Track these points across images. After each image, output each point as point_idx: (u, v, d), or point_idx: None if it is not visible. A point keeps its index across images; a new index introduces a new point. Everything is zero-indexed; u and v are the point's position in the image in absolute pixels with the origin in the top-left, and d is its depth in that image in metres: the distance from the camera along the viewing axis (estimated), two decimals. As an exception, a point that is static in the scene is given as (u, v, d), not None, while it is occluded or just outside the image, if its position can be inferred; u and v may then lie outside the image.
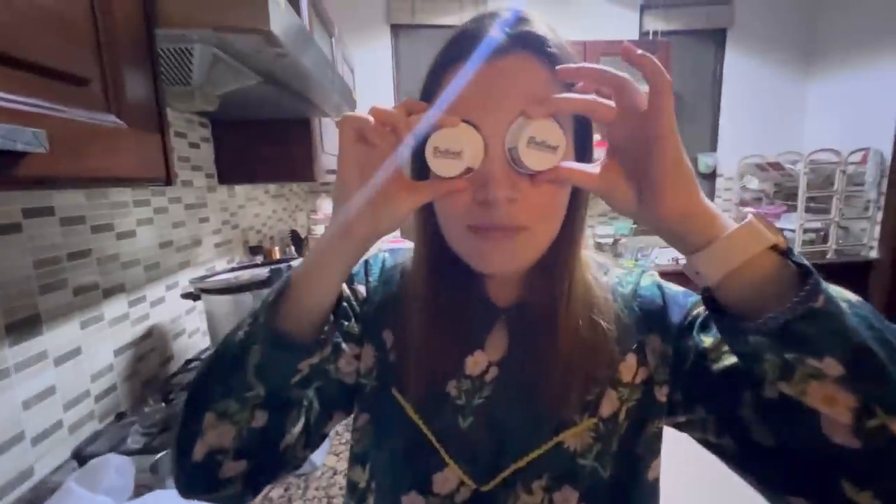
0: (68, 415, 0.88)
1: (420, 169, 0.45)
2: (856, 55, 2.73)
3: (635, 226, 3.02)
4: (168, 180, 0.66)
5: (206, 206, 1.49)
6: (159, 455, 0.73)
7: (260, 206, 2.01)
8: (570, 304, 0.45)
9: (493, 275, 0.47)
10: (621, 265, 0.54)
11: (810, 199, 2.71)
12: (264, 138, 1.55)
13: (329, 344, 0.42)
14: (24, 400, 0.79)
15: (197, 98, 1.08)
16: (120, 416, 0.97)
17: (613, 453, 0.44)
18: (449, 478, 0.45)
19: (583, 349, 0.44)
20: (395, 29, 2.82)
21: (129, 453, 0.83)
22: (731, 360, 0.40)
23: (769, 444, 0.35)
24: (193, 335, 1.38)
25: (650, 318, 0.47)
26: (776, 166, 2.85)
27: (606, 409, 0.45)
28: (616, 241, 2.92)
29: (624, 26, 2.90)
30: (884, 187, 2.62)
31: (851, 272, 2.67)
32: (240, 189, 1.78)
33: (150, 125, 0.62)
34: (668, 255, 2.73)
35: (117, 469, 0.57)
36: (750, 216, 0.35)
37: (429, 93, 0.43)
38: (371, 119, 0.36)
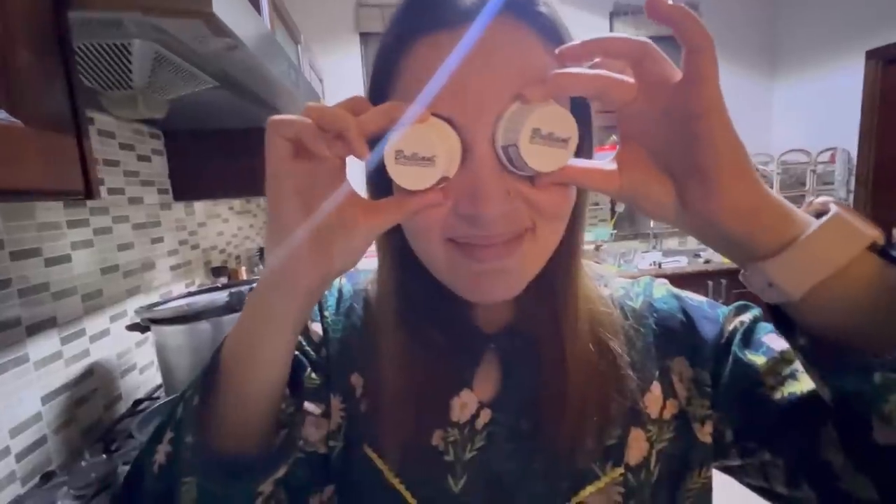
0: (-21, 480, 0.73)
1: (378, 181, 0.36)
2: (818, 56, 2.82)
3: (615, 231, 3.00)
4: (88, 192, 0.54)
5: (159, 226, 1.34)
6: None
7: (223, 224, 1.87)
8: (574, 324, 0.36)
9: (489, 305, 0.38)
10: (621, 275, 0.46)
11: (784, 198, 2.75)
12: (224, 150, 1.42)
13: (294, 447, 0.33)
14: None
15: (140, 104, 0.96)
16: (47, 477, 0.81)
17: None
18: None
19: (595, 379, 0.35)
20: (365, 37, 2.75)
21: (55, 526, 0.68)
22: (800, 387, 0.32)
23: (868, 496, 0.27)
24: (146, 370, 1.22)
25: (672, 337, 0.39)
26: (749, 168, 2.90)
27: (634, 454, 0.36)
28: (597, 248, 2.88)
29: (593, 33, 2.91)
30: (852, 185, 2.68)
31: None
32: (199, 206, 1.64)
33: (60, 126, 0.50)
34: (650, 259, 2.71)
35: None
36: (832, 205, 0.27)
37: (381, 80, 0.33)
38: (308, 122, 0.25)
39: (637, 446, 0.36)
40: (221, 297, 0.98)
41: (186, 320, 0.95)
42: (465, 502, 0.35)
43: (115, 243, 1.13)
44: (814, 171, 2.71)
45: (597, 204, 3.10)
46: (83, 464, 0.84)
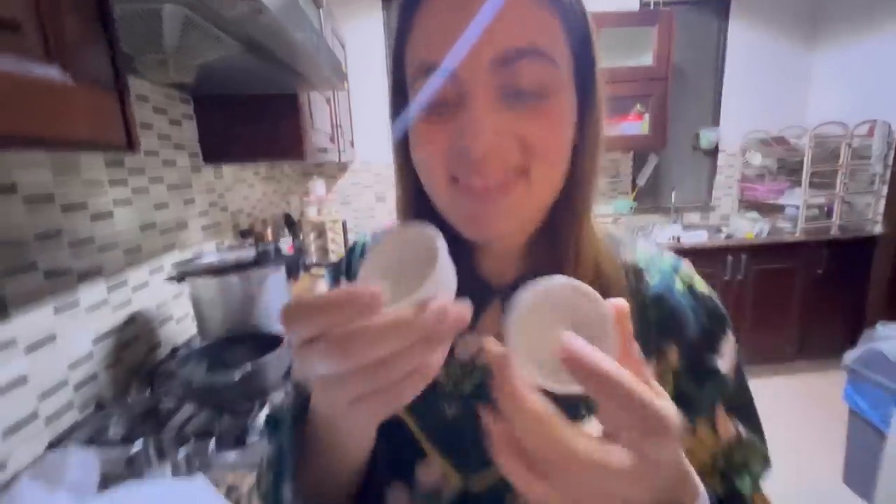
0: (44, 405, 0.83)
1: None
2: (863, 24, 2.64)
3: (635, 204, 2.96)
4: (130, 145, 0.59)
5: (190, 188, 1.42)
6: (136, 449, 0.68)
7: (249, 189, 1.94)
8: (576, 274, 0.39)
9: (486, 242, 0.40)
10: (648, 243, 0.45)
11: (815, 173, 2.65)
12: (250, 115, 1.47)
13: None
14: (-8, 391, 0.74)
15: (171, 67, 1.01)
16: (100, 406, 0.92)
17: None
18: (433, 470, 0.40)
19: None
20: (387, 3, 2.71)
21: (109, 444, 0.78)
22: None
23: None
24: (182, 321, 1.32)
25: (676, 325, 0.40)
26: (781, 141, 2.78)
27: None
28: (615, 220, 2.86)
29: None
30: (890, 161, 2.56)
31: (855, 247, 2.63)
32: (227, 170, 1.71)
33: (104, 84, 0.55)
34: (669, 233, 2.67)
35: (79, 464, 0.52)
36: None
37: (400, 38, 0.36)
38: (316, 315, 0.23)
39: None
40: (250, 253, 1.05)
41: (218, 273, 1.02)
42: (457, 427, 0.40)
43: (151, 203, 1.21)
44: (849, 145, 2.59)
45: (616, 176, 3.05)
46: (129, 399, 0.95)
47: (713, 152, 3.09)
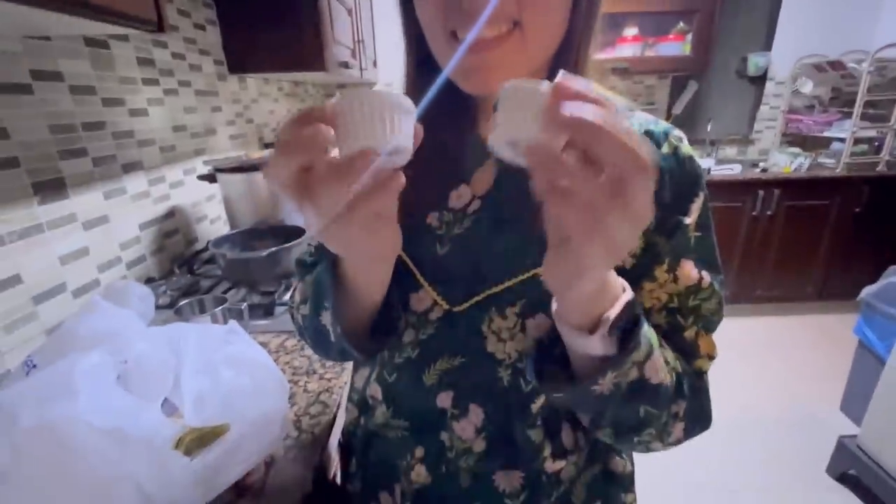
0: (103, 275, 0.96)
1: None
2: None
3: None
4: (160, 26, 0.64)
5: (217, 95, 1.47)
6: (182, 303, 0.80)
7: (274, 104, 1.98)
8: None
9: (484, 95, 0.43)
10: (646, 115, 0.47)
11: (869, 104, 2.44)
12: (271, 21, 1.47)
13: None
14: (61, 255, 0.87)
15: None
16: (150, 280, 1.05)
17: None
18: (423, 298, 0.47)
19: None
20: None
21: (159, 308, 0.91)
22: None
23: None
24: (215, 222, 1.44)
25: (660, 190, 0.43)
26: (837, 66, 2.55)
27: None
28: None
29: None
30: (959, 89, 2.33)
31: (901, 186, 2.48)
32: (252, 82, 1.74)
33: (132, -43, 0.59)
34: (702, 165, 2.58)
35: (139, 296, 0.63)
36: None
37: None
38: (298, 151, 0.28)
39: None
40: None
41: (246, 170, 1.10)
42: (446, 263, 0.46)
43: (181, 105, 1.27)
44: (915, 71, 2.36)
45: (651, 104, 2.90)
46: (174, 277, 1.07)
47: (760, 80, 2.87)
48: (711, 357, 0.43)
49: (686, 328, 0.43)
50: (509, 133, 0.27)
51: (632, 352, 0.34)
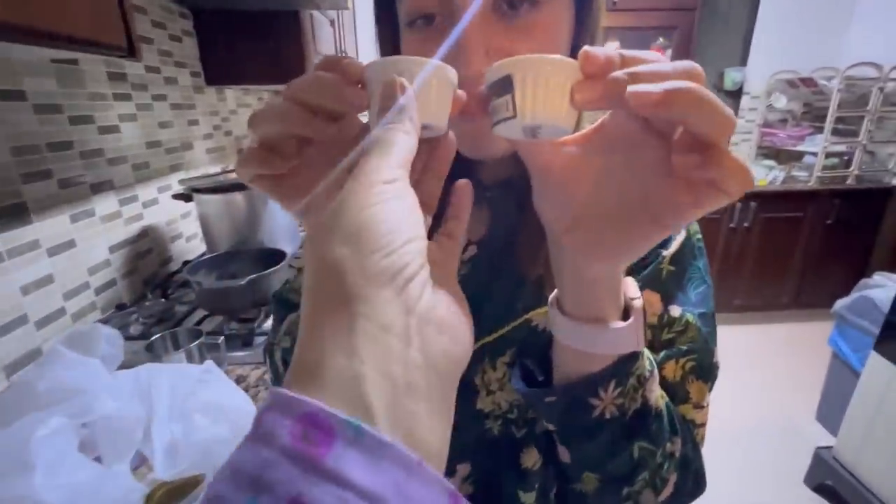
0: (69, 304, 0.91)
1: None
2: (922, -50, 2.39)
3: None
4: (131, 49, 0.60)
5: (194, 108, 1.42)
6: (154, 337, 0.76)
7: (254, 115, 1.93)
8: None
9: (482, 160, 0.41)
10: None
11: (840, 119, 2.54)
12: (251, 33, 1.43)
13: None
14: (22, 285, 0.81)
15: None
16: (121, 307, 1.00)
17: None
18: None
19: None
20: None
21: (130, 339, 0.86)
22: None
23: None
24: (191, 240, 1.39)
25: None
26: (808, 82, 2.64)
27: None
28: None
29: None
30: (923, 107, 2.43)
31: (869, 199, 2.58)
32: (230, 94, 1.69)
33: (100, -20, 0.55)
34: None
35: (107, 339, 0.60)
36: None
37: None
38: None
39: None
40: (252, 172, 1.07)
41: (224, 191, 1.06)
42: None
43: (155, 120, 1.22)
44: (881, 89, 2.45)
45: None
46: (147, 303, 1.03)
47: (736, 94, 2.95)
48: (698, 406, 0.41)
49: (663, 366, 0.40)
50: (536, 117, 0.23)
51: (636, 360, 0.31)
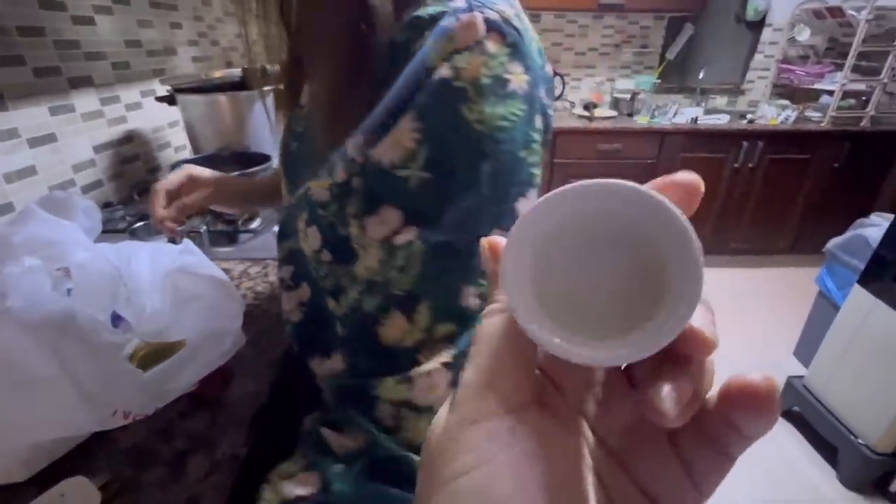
0: (56, 197, 0.92)
1: None
2: None
3: (659, 81, 2.76)
4: None
5: (176, 10, 1.34)
6: (137, 225, 0.77)
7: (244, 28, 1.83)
8: None
9: None
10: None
11: (862, 55, 2.39)
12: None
13: None
14: (5, 173, 0.81)
15: None
16: (108, 205, 1.01)
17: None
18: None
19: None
20: None
21: (116, 232, 0.88)
22: None
23: None
24: (180, 150, 1.37)
25: None
26: (836, 12, 2.46)
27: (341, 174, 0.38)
28: (634, 96, 2.70)
29: None
30: (953, 43, 2.28)
31: (881, 142, 2.49)
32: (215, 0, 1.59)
33: None
34: (688, 115, 2.54)
35: (84, 210, 0.60)
36: None
37: None
38: None
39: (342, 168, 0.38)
40: (236, 72, 1.04)
41: (207, 91, 1.03)
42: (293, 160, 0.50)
43: (134, 18, 1.16)
44: (913, 22, 2.29)
45: (644, 47, 2.79)
46: (134, 203, 1.03)
47: (758, 25, 2.77)
48: None
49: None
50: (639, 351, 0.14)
51: None
